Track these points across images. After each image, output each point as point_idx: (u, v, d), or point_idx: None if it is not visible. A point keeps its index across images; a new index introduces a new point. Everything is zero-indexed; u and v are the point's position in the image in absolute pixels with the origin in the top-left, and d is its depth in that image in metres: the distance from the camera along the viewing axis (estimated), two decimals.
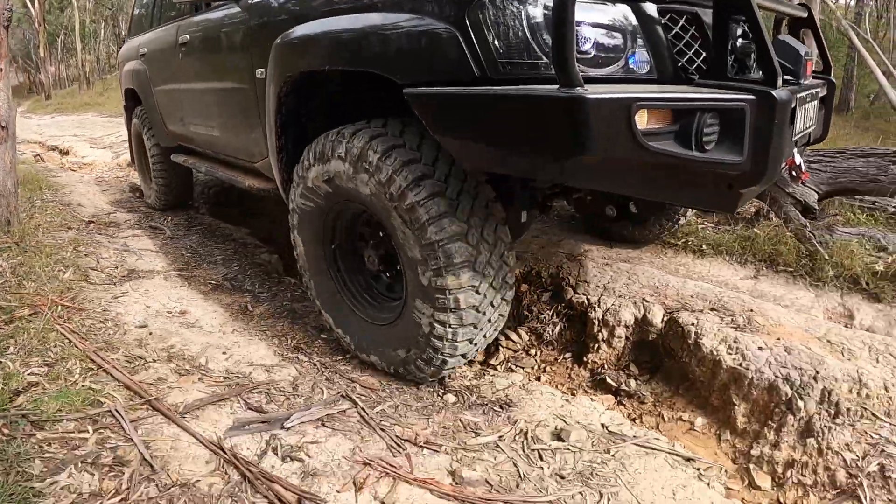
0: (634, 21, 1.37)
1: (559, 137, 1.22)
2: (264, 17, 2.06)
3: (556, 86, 1.17)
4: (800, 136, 1.64)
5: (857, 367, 1.89)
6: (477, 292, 1.59)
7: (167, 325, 1.96)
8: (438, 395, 1.68)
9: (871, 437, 1.71)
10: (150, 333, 1.87)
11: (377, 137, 1.61)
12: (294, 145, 2.03)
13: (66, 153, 7.56)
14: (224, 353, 1.78)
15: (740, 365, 1.86)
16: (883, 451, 1.65)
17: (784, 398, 1.81)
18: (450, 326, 1.58)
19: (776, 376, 1.81)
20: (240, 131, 2.45)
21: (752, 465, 1.76)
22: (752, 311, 2.06)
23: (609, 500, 1.23)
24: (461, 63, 1.33)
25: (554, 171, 1.32)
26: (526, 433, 1.46)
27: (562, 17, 1.14)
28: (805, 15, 1.99)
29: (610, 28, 1.36)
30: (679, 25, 1.43)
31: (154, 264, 2.66)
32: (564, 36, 1.15)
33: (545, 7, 1.28)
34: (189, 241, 3.11)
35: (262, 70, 2.04)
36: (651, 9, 1.39)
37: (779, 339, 1.97)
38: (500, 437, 1.43)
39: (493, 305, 1.67)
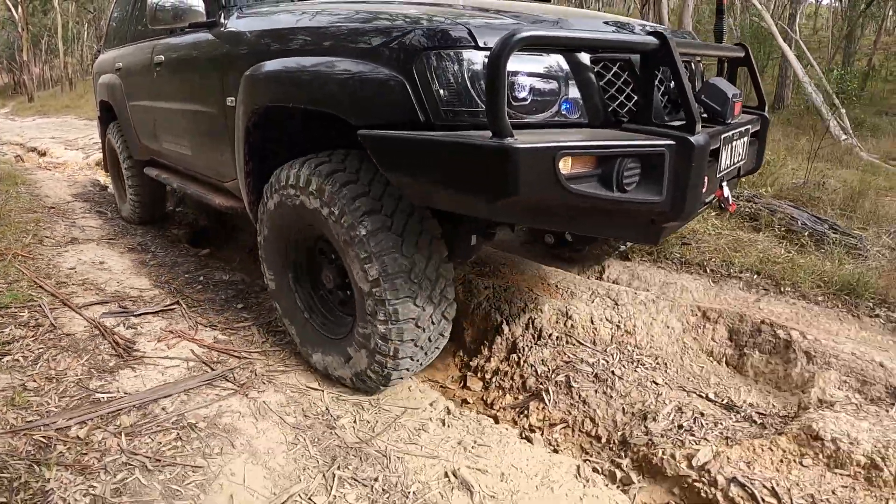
0: (567, 69, 1.52)
1: (490, 181, 1.35)
2: (236, 48, 2.20)
3: (489, 134, 1.32)
4: (727, 171, 1.81)
5: (569, 304, 2.51)
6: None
7: (87, 268, 3.08)
8: (235, 308, 2.78)
9: (568, 356, 2.33)
10: (75, 271, 2.99)
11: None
12: (261, 169, 2.17)
13: (44, 154, 8.66)
14: (118, 282, 2.90)
15: (467, 299, 2.63)
16: (574, 367, 2.19)
17: (496, 324, 2.52)
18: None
19: (491, 307, 2.59)
20: (210, 152, 2.61)
21: (468, 373, 2.41)
22: (504, 264, 2.95)
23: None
24: (408, 109, 1.47)
25: (486, 210, 1.47)
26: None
27: (494, 73, 1.27)
28: (742, 55, 2.18)
29: (544, 77, 1.50)
30: (612, 72, 1.59)
31: (91, 235, 3.78)
32: (496, 90, 1.28)
33: (484, 60, 1.41)
34: (122, 222, 4.23)
35: (233, 99, 2.17)
36: (584, 58, 1.54)
37: (509, 283, 2.75)
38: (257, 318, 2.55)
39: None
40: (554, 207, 1.46)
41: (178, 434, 1.57)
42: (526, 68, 1.47)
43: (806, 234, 3.42)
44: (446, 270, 1.82)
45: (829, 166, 5.98)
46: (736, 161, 1.89)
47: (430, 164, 1.48)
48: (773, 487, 1.73)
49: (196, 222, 4.40)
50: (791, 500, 1.69)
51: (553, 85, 1.52)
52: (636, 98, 1.58)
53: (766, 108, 2.27)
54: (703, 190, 1.53)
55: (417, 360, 1.88)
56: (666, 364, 2.44)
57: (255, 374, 1.94)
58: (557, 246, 3.03)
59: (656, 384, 2.33)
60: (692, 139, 1.41)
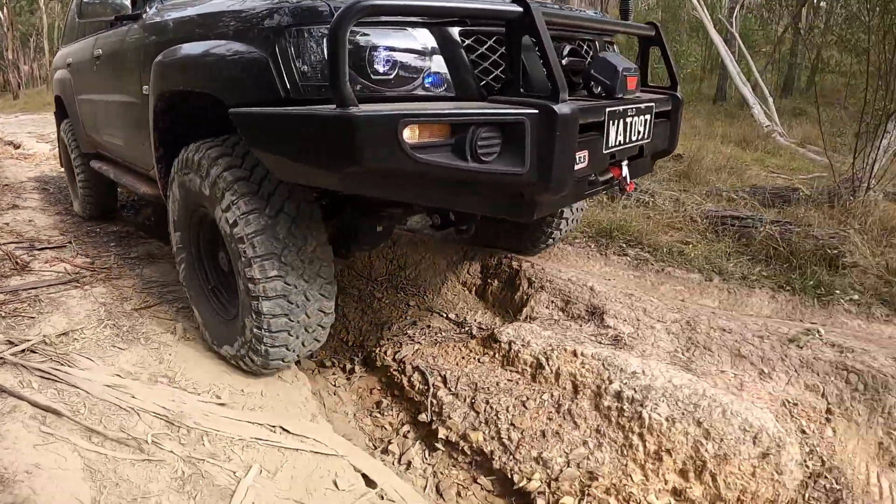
0: (433, 43, 1.55)
1: (335, 151, 1.39)
2: (151, 37, 2.33)
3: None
4: (621, 148, 1.83)
5: None
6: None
7: (18, 224, 4.13)
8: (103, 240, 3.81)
9: (342, 284, 3.57)
10: (7, 225, 4.05)
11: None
12: (173, 155, 2.18)
13: (18, 147, 9.76)
14: (36, 232, 3.96)
15: None
16: (345, 291, 3.19)
17: None
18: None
19: None
20: (136, 142, 2.72)
21: None
22: None
23: None
24: (272, 86, 1.54)
25: (335, 181, 1.49)
26: None
27: (333, 44, 1.31)
28: (653, 34, 2.22)
29: (406, 51, 1.53)
30: (486, 46, 1.63)
31: (31, 204, 4.84)
32: (337, 61, 1.32)
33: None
34: (60, 195, 5.29)
35: (147, 87, 2.27)
36: (452, 32, 1.57)
37: None
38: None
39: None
40: (406, 178, 1.48)
41: (29, 303, 2.60)
42: (386, 42, 1.51)
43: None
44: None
45: (739, 149, 6.92)
46: (634, 139, 1.89)
47: (285, 138, 1.54)
48: (444, 375, 2.34)
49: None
50: (456, 384, 2.27)
51: (416, 59, 1.55)
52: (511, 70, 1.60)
53: (678, 89, 2.28)
54: (579, 164, 1.58)
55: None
56: (426, 292, 3.36)
57: (97, 280, 2.97)
58: (443, 227, 2.93)
59: (408, 305, 3.29)
60: (555, 108, 1.42)
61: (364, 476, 1.76)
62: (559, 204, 2.06)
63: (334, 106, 1.35)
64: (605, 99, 1.79)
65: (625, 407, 2.02)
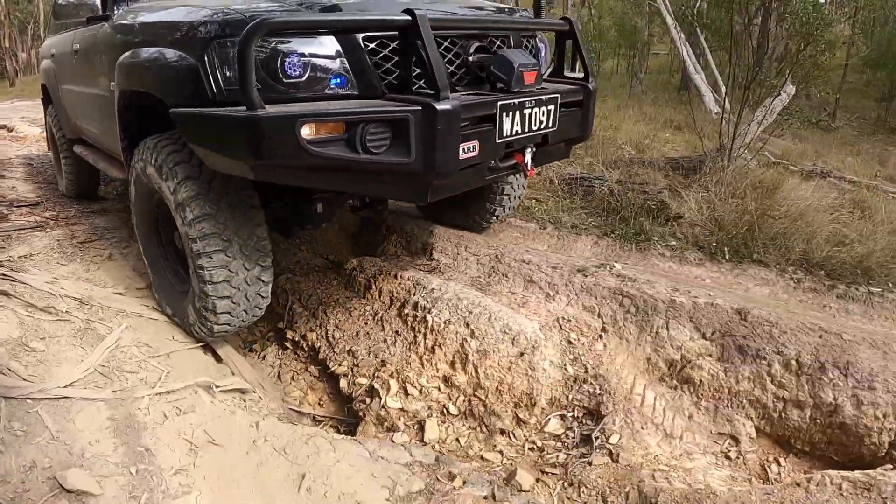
0: (339, 49, 1.79)
1: (245, 147, 1.67)
2: (117, 37, 2.53)
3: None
4: (520, 137, 2.06)
5: None
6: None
7: (4, 189, 4.97)
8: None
9: None
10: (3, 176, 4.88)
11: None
12: (136, 146, 2.45)
13: (11, 130, 10.61)
14: (17, 195, 4.78)
15: None
16: None
17: None
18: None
19: None
20: (108, 131, 2.96)
21: None
22: None
23: None
24: (202, 89, 1.81)
25: (251, 172, 1.77)
26: None
27: (242, 56, 1.59)
28: (567, 28, 2.40)
29: (315, 56, 1.77)
30: (388, 49, 1.85)
31: (15, 175, 5.68)
32: (245, 72, 1.59)
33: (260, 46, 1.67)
34: (42, 170, 6.12)
35: (114, 84, 2.49)
36: (357, 38, 1.79)
37: None
38: None
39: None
40: (311, 168, 1.72)
41: (3, 239, 3.43)
42: (296, 49, 1.73)
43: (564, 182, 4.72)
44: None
45: (672, 131, 7.65)
46: (535, 128, 2.11)
47: (210, 134, 1.81)
48: (300, 295, 3.35)
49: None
50: (308, 301, 3.23)
51: (324, 63, 1.77)
52: (417, 70, 1.82)
53: (591, 79, 2.46)
54: (467, 154, 1.83)
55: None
56: (318, 241, 4.16)
57: (57, 226, 3.79)
58: (361, 208, 3.27)
59: (300, 250, 4.07)
60: (436, 105, 1.68)
61: (214, 353, 2.55)
62: (456, 188, 2.25)
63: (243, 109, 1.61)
64: (503, 93, 2.02)
65: (417, 313, 2.79)
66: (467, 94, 2.00)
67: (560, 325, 2.79)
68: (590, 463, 2.27)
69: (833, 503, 1.91)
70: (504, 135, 2.00)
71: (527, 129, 2.09)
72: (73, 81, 3.66)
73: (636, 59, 14.96)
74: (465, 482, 1.76)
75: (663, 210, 3.76)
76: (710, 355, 2.74)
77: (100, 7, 2.74)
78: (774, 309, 2.88)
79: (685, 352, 2.74)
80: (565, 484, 2.20)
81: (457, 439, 2.41)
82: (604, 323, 2.84)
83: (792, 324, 2.75)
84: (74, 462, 1.52)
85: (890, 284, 3.43)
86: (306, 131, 1.64)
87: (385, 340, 2.76)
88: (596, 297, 2.92)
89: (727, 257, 3.53)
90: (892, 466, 2.20)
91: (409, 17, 1.74)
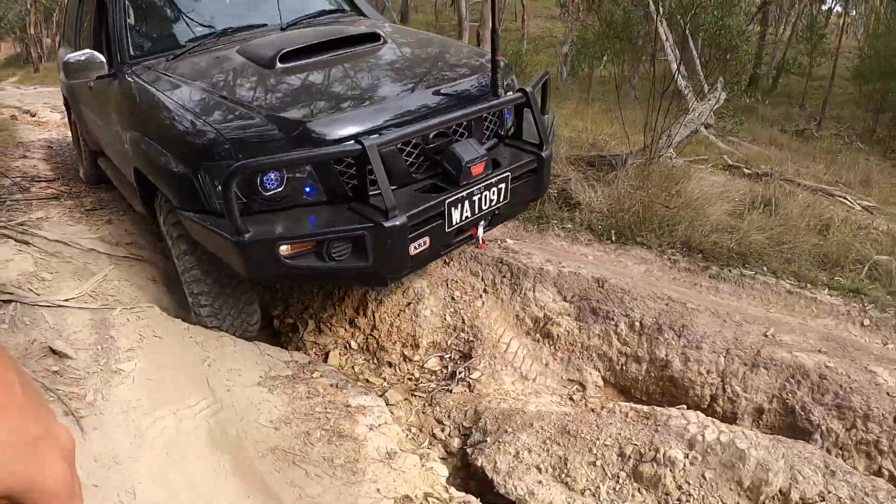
0: (309, 167, 2.14)
1: (236, 261, 2.12)
2: (126, 101, 2.84)
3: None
4: (470, 220, 2.37)
5: None
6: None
7: (27, 167, 5.89)
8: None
9: None
10: (18, 167, 5.81)
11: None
12: (149, 192, 2.80)
13: (34, 115, 11.67)
14: (37, 171, 5.70)
15: None
16: None
17: None
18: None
19: None
20: (126, 167, 3.17)
21: None
22: None
23: None
24: (200, 199, 2.18)
25: (245, 276, 2.23)
26: None
27: (225, 194, 1.93)
28: (524, 101, 2.60)
29: (288, 172, 2.13)
30: (348, 164, 2.17)
31: (36, 156, 6.62)
32: (229, 203, 1.92)
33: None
34: (61, 152, 7.06)
35: (126, 142, 2.79)
36: (324, 156, 2.11)
37: None
38: None
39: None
40: (289, 274, 2.14)
41: (25, 206, 4.32)
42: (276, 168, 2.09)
43: None
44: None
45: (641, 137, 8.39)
46: (484, 208, 2.40)
47: (210, 241, 2.22)
48: None
49: None
50: None
51: (297, 176, 2.13)
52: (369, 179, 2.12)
53: (544, 147, 2.63)
54: (417, 250, 2.16)
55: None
56: None
57: (69, 198, 4.68)
58: None
59: None
60: (385, 224, 2.01)
61: None
62: (412, 271, 2.82)
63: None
64: (451, 185, 2.29)
65: None
66: (423, 190, 2.33)
67: (447, 285, 3.59)
68: (450, 391, 3.04)
69: (616, 426, 2.48)
70: (454, 223, 2.31)
71: (476, 212, 2.37)
72: (90, 108, 3.94)
73: (629, 66, 15.56)
74: (321, 375, 2.55)
75: (566, 198, 4.52)
76: (569, 315, 3.51)
77: (106, 67, 2.86)
78: (631, 280, 3.63)
79: (547, 311, 3.51)
80: (425, 404, 2.98)
81: (353, 367, 3.22)
82: (485, 285, 3.63)
83: (643, 292, 3.49)
84: (62, 339, 2.37)
85: (764, 269, 4.12)
86: (283, 248, 2.05)
87: (312, 291, 3.57)
88: (482, 265, 3.71)
89: (613, 239, 4.28)
90: (686, 408, 2.84)
91: (359, 147, 2.04)
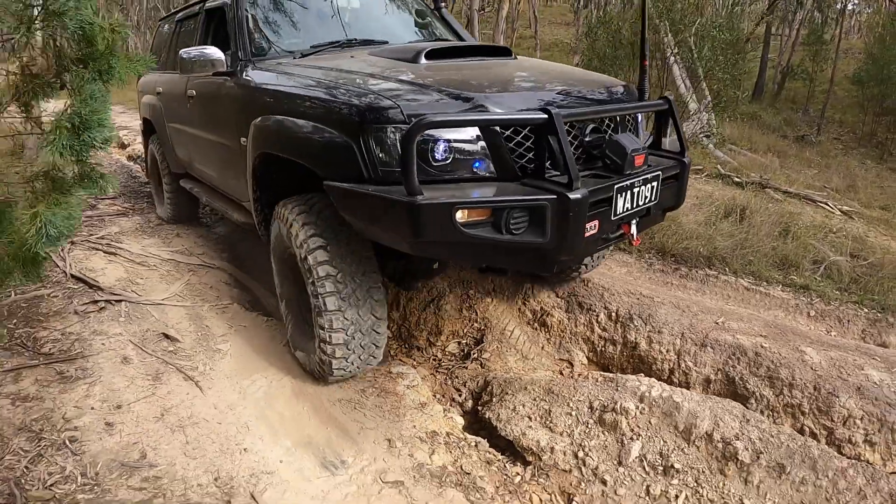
0: (479, 135, 2.09)
1: (405, 226, 1.96)
2: (249, 97, 2.80)
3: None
4: (629, 213, 2.35)
5: None
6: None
7: None
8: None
9: None
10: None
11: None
12: (268, 197, 2.79)
13: (126, 147, 12.66)
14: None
15: None
16: None
17: None
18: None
19: None
20: (231, 177, 3.27)
21: None
22: None
23: None
24: (356, 167, 2.11)
25: (407, 246, 2.10)
26: None
27: (405, 150, 1.88)
28: (666, 108, 2.69)
29: (460, 142, 2.10)
30: (522, 135, 2.14)
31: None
32: (407, 162, 1.87)
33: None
34: (122, 171, 7.96)
35: (245, 139, 2.75)
36: (496, 129, 2.09)
37: None
38: None
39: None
40: (459, 245, 2.04)
41: (98, 222, 5.19)
42: (445, 136, 2.04)
43: None
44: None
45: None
46: (641, 203, 2.37)
47: (368, 210, 2.12)
48: None
49: None
50: None
51: (467, 148, 2.10)
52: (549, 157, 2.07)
53: (686, 154, 2.69)
54: (590, 232, 2.09)
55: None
56: None
57: (136, 214, 5.55)
58: (486, 270, 3.79)
59: None
60: (569, 195, 1.96)
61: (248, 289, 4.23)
62: (575, 261, 2.89)
63: (404, 190, 1.89)
64: (616, 174, 2.28)
65: None
66: (588, 177, 2.29)
67: (463, 285, 4.40)
68: (466, 368, 3.86)
69: (588, 387, 3.25)
70: (618, 212, 2.31)
71: (635, 205, 2.39)
72: (185, 123, 4.02)
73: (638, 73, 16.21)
74: None
75: None
76: (560, 308, 4.30)
77: (225, 64, 2.94)
78: (611, 279, 4.42)
79: (543, 305, 4.30)
80: (446, 377, 3.79)
81: (389, 351, 4.02)
82: (493, 285, 4.43)
83: (620, 289, 4.28)
84: (170, 328, 3.21)
85: (727, 270, 4.91)
86: (460, 215, 1.94)
87: None
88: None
89: None
90: (643, 375, 3.64)
91: (545, 116, 2.05)
